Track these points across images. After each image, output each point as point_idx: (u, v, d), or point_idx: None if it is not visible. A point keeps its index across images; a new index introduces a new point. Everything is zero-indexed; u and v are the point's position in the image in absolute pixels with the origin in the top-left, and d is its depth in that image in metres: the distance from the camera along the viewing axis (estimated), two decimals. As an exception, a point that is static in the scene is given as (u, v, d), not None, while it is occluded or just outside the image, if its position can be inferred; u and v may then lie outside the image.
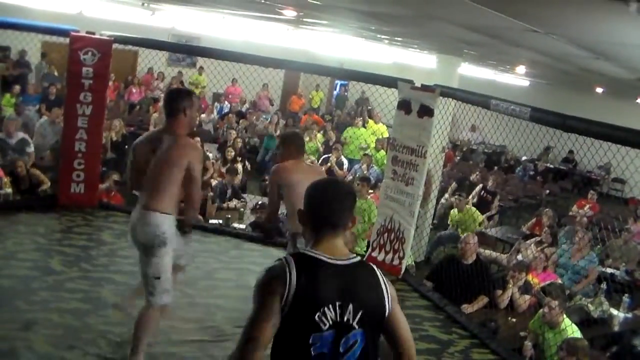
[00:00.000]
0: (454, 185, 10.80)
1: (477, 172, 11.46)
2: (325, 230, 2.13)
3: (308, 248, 2.14)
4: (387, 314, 2.11)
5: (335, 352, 2.03)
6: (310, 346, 2.01)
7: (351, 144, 12.26)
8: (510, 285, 5.97)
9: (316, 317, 2.00)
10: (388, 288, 2.13)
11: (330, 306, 2.01)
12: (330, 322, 2.01)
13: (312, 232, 2.16)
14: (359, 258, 2.15)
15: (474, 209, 9.08)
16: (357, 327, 2.05)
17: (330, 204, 2.14)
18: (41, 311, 4.33)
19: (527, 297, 5.97)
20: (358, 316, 2.04)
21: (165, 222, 3.59)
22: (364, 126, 13.28)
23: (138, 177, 3.80)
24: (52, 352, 3.86)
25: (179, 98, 3.75)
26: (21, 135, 8.42)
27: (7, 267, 4.98)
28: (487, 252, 7.87)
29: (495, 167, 14.70)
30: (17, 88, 11.46)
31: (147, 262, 3.61)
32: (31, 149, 8.41)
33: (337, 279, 2.04)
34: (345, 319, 2.03)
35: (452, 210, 9.10)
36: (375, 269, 2.16)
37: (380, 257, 6.15)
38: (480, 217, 9.01)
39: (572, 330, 5.01)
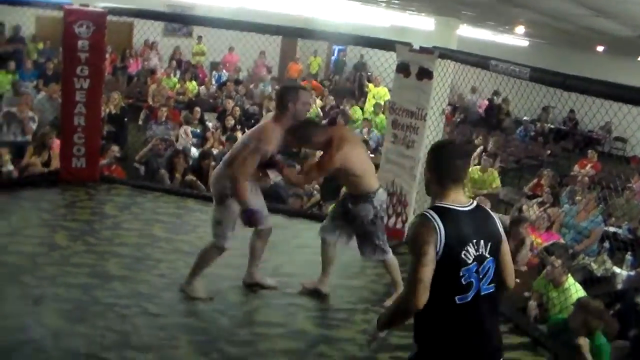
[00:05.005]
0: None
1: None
2: (451, 184, 2.57)
3: (437, 201, 2.57)
4: (503, 240, 2.64)
5: (478, 278, 2.51)
6: (461, 277, 2.47)
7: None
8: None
9: (462, 254, 2.47)
10: (498, 221, 2.65)
11: (470, 244, 2.49)
12: (472, 256, 2.49)
13: (439, 187, 2.59)
14: (475, 203, 2.62)
15: (496, 171, 9.09)
16: (488, 256, 2.54)
17: (454, 162, 2.59)
18: (49, 286, 4.37)
19: (526, 251, 6.04)
20: (488, 247, 2.54)
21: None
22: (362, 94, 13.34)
23: None
24: (63, 326, 3.90)
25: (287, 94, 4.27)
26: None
27: (13, 244, 5.01)
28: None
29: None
30: (12, 65, 11.35)
31: (214, 209, 4.36)
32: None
33: (468, 221, 2.52)
34: (481, 252, 2.52)
35: (471, 168, 9.05)
36: (487, 208, 2.72)
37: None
38: (498, 181, 9.06)
39: (575, 289, 5.05)
